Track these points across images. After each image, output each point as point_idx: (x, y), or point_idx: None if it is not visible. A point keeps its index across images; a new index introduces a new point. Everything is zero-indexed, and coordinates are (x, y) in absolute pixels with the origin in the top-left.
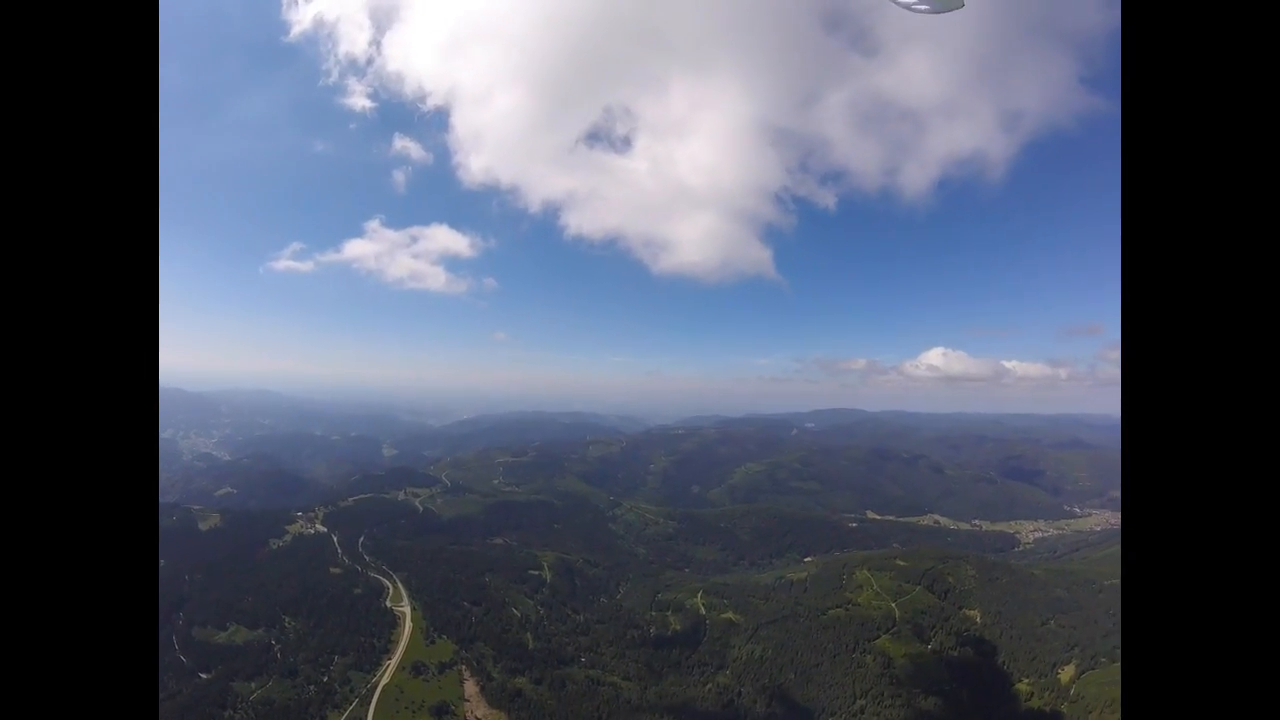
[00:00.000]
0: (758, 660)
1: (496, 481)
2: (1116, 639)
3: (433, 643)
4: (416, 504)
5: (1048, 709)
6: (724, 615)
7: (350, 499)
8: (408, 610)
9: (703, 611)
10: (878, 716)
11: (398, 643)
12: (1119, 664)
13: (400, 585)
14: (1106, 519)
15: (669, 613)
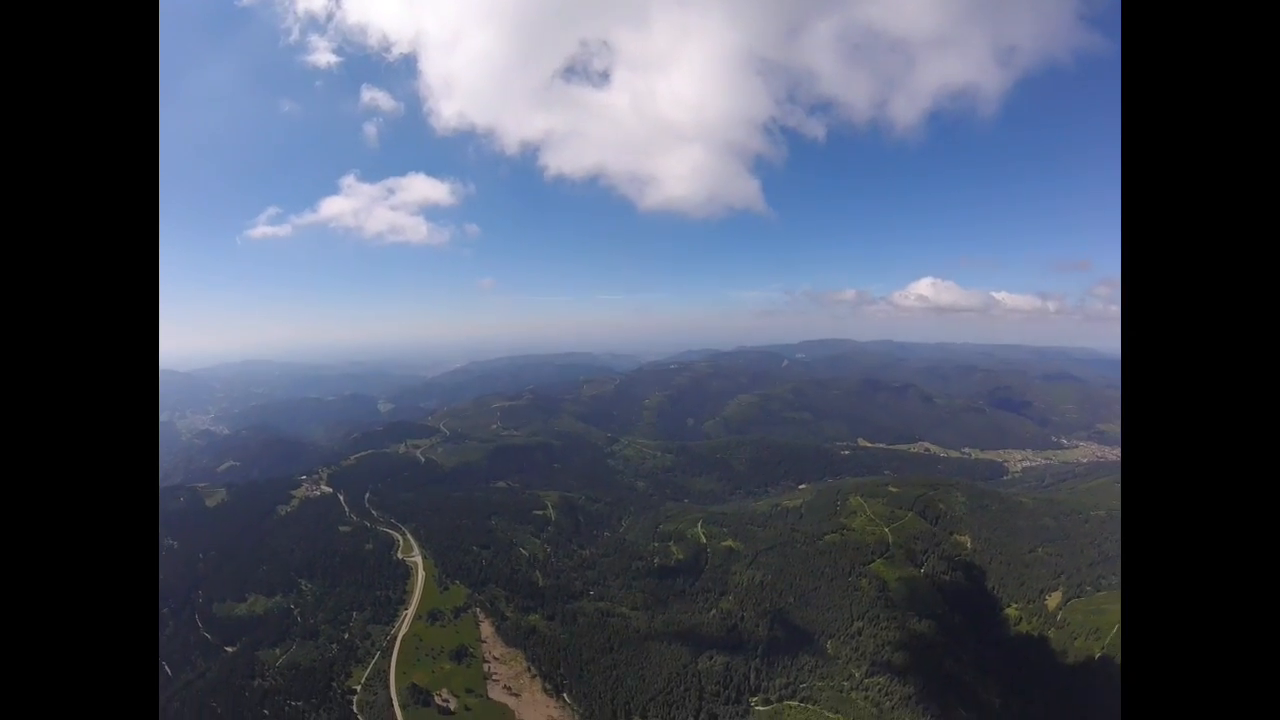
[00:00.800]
0: (758, 585)
1: (494, 427)
2: (1102, 568)
3: (446, 589)
4: (418, 455)
5: (1035, 633)
6: (724, 543)
7: (352, 457)
8: (419, 560)
9: (703, 540)
10: (874, 638)
11: (412, 593)
12: (1104, 592)
13: (410, 536)
14: (1093, 450)
15: (671, 543)
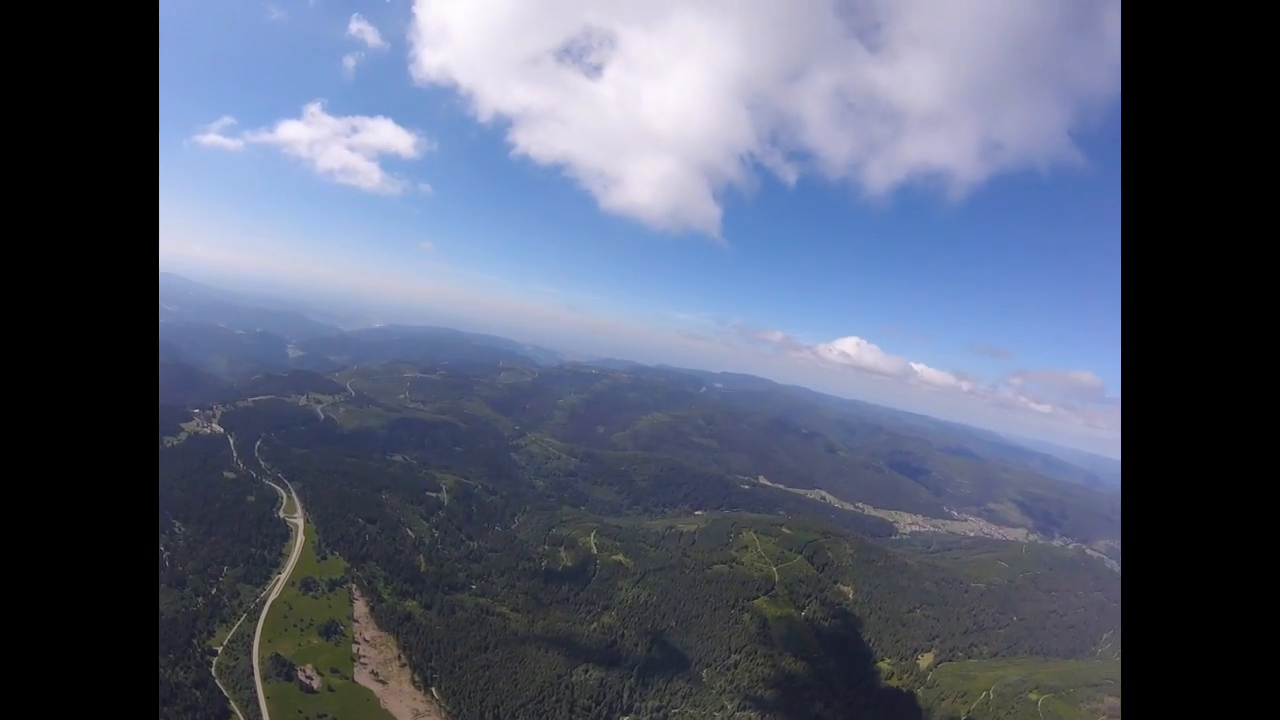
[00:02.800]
0: (642, 604)
1: (402, 396)
2: (975, 637)
3: (324, 558)
4: (318, 411)
5: (905, 689)
6: (614, 557)
7: (250, 399)
8: (301, 523)
9: (594, 551)
10: (749, 673)
11: (289, 556)
12: (974, 660)
13: (295, 496)
14: (980, 526)
15: (561, 548)
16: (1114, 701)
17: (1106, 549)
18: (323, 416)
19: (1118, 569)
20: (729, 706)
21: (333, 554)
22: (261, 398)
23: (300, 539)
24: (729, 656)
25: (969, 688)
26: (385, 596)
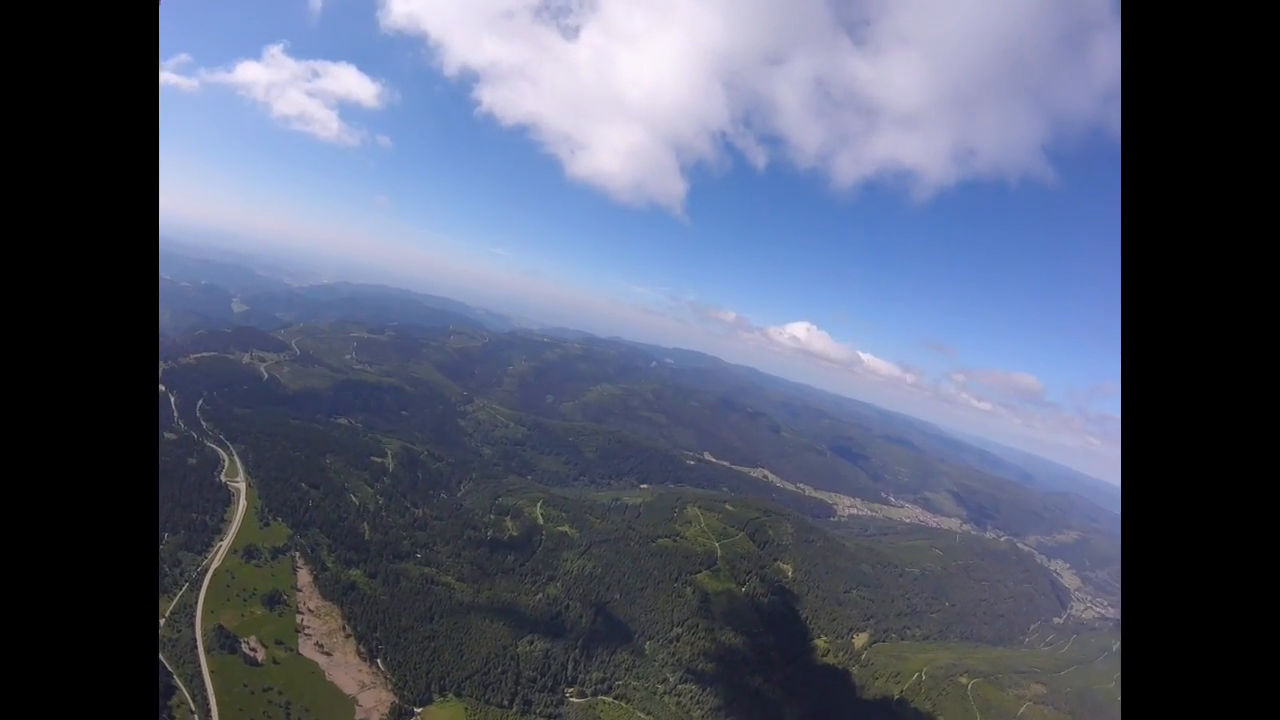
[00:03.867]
0: (587, 576)
1: (348, 357)
2: (909, 620)
3: (267, 525)
4: (262, 370)
5: (840, 666)
6: (560, 528)
7: (192, 356)
8: (243, 487)
9: (540, 521)
10: (691, 646)
11: (230, 522)
12: (907, 641)
13: (237, 458)
14: (916, 513)
15: (507, 517)
16: (1039, 689)
17: (1036, 544)
18: (266, 376)
19: (1047, 563)
20: (671, 679)
21: (276, 520)
22: (204, 354)
23: (242, 504)
24: (671, 629)
25: (902, 668)
26: (329, 565)
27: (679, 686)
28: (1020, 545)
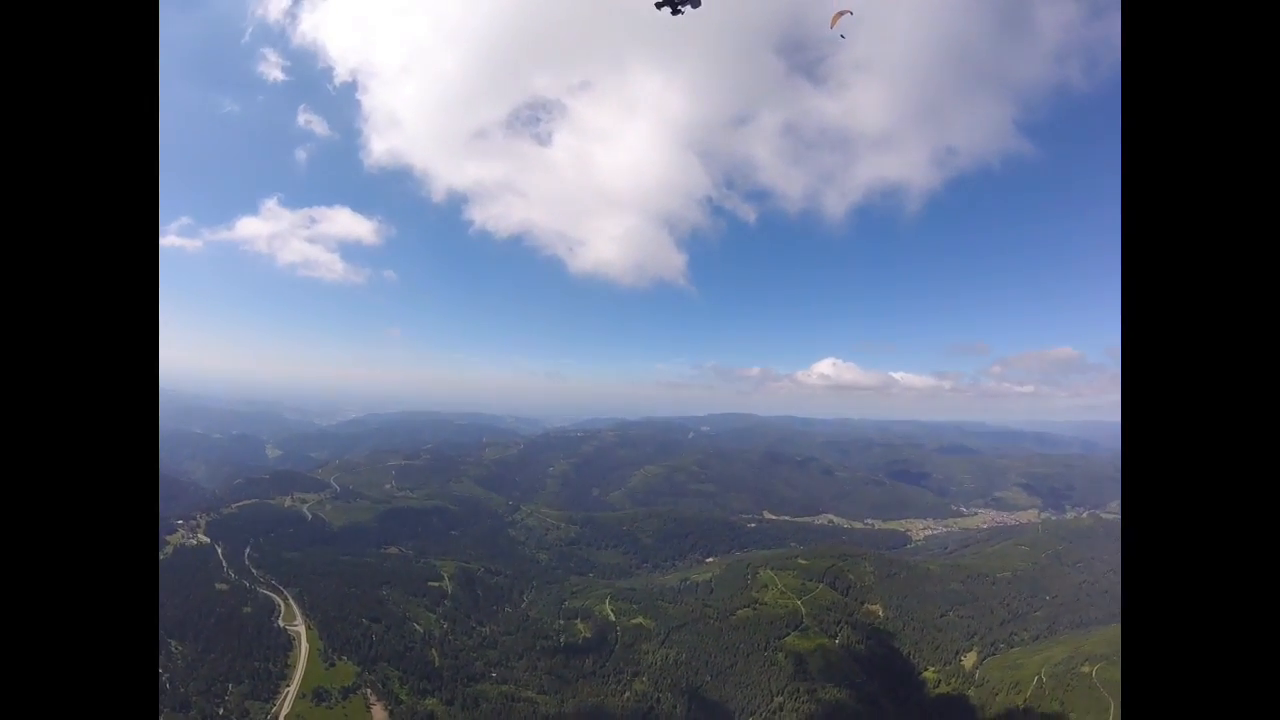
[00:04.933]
0: (672, 664)
1: (388, 486)
2: (1012, 626)
3: (333, 665)
4: (304, 511)
5: (955, 693)
6: (634, 620)
7: (234, 505)
8: (302, 630)
9: (612, 617)
10: (796, 712)
11: (295, 666)
12: (1017, 649)
13: (292, 602)
14: (992, 516)
15: (577, 620)
16: None
17: (1119, 511)
18: (310, 516)
19: None
20: None
21: (341, 659)
22: (245, 502)
23: (304, 647)
24: (771, 700)
25: (1019, 677)
26: (403, 698)
27: None
28: (1103, 516)
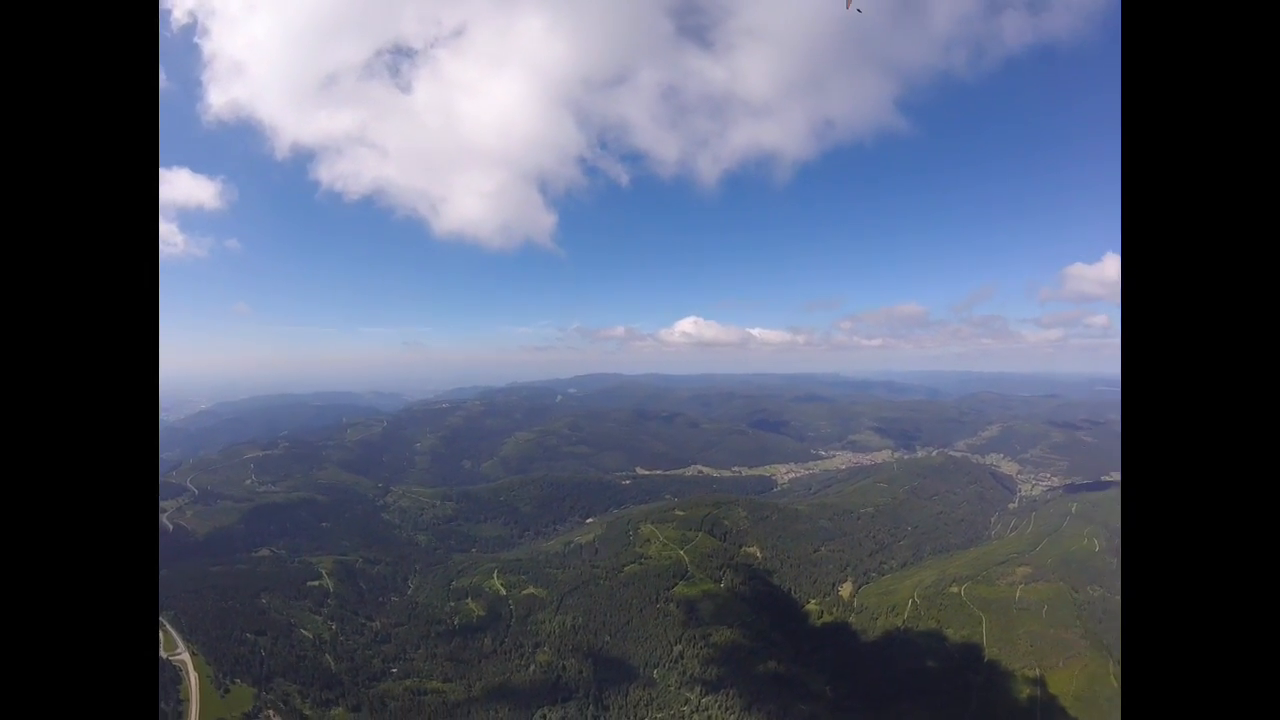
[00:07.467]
0: (570, 629)
1: (249, 482)
2: (881, 556)
3: (227, 691)
4: (164, 521)
5: (839, 622)
6: (525, 591)
7: None
8: (187, 657)
9: (502, 591)
10: (696, 657)
11: (188, 700)
12: (888, 576)
13: (169, 628)
14: (849, 458)
15: (468, 599)
16: (1026, 570)
17: (966, 448)
18: (171, 526)
19: (981, 460)
20: (693, 697)
21: (234, 683)
22: None
23: (193, 676)
24: (671, 649)
25: (894, 601)
26: (307, 712)
27: (702, 701)
28: (951, 453)
